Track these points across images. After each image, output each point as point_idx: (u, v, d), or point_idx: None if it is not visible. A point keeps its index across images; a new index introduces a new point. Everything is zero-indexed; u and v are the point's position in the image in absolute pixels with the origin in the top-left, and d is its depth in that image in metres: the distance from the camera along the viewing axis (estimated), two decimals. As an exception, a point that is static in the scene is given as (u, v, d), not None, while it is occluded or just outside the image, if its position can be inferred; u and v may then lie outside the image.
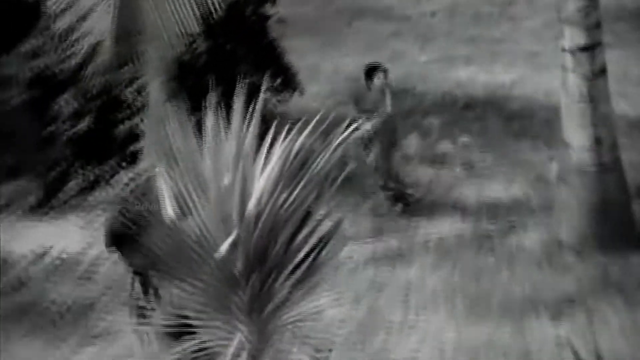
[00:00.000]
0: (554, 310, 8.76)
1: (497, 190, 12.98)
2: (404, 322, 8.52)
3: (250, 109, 4.30)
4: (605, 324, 8.60)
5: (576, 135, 10.65)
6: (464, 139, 17.28)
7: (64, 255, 10.97)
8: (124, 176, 13.77)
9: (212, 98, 4.32)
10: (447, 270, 10.04)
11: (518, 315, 8.72)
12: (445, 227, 11.60)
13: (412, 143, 15.81)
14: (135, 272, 6.43)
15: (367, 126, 11.58)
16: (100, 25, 8.88)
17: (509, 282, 9.62)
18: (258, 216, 4.07)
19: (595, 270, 9.91)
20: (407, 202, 11.96)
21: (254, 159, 4.22)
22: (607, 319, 8.73)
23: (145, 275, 6.19)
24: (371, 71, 12.08)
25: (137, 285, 6.35)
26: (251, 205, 4.07)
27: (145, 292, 6.08)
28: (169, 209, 4.29)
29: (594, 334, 8.31)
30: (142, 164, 13.26)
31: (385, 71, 12.18)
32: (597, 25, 10.56)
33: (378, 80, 11.95)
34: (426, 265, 10.25)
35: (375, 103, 11.96)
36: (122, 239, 6.14)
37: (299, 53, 17.10)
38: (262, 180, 4.16)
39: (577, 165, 10.67)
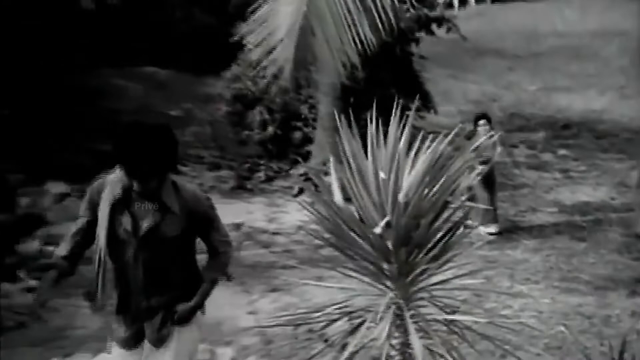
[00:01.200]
0: (631, 288, 8.51)
1: (588, 192, 12.73)
2: (511, 290, 8.42)
3: (401, 122, 4.31)
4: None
5: (653, 150, 10.43)
6: (540, 134, 17.08)
7: (252, 227, 11.20)
8: (299, 169, 13.95)
9: (371, 113, 4.34)
10: (545, 252, 9.86)
11: (601, 289, 8.50)
12: (545, 218, 11.41)
13: (521, 153, 15.64)
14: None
15: (478, 171, 9.97)
16: (283, 56, 8.98)
17: (594, 263, 9.41)
18: (406, 204, 4.06)
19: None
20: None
21: (405, 160, 4.22)
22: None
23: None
24: (477, 119, 10.78)
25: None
26: (401, 195, 4.07)
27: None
28: (337, 196, 4.32)
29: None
30: (312, 161, 13.41)
31: (489, 120, 10.81)
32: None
33: (482, 127, 10.55)
34: (529, 247, 10.10)
35: (483, 149, 10.39)
36: None
37: (435, 81, 17.02)
38: (410, 177, 4.15)
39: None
